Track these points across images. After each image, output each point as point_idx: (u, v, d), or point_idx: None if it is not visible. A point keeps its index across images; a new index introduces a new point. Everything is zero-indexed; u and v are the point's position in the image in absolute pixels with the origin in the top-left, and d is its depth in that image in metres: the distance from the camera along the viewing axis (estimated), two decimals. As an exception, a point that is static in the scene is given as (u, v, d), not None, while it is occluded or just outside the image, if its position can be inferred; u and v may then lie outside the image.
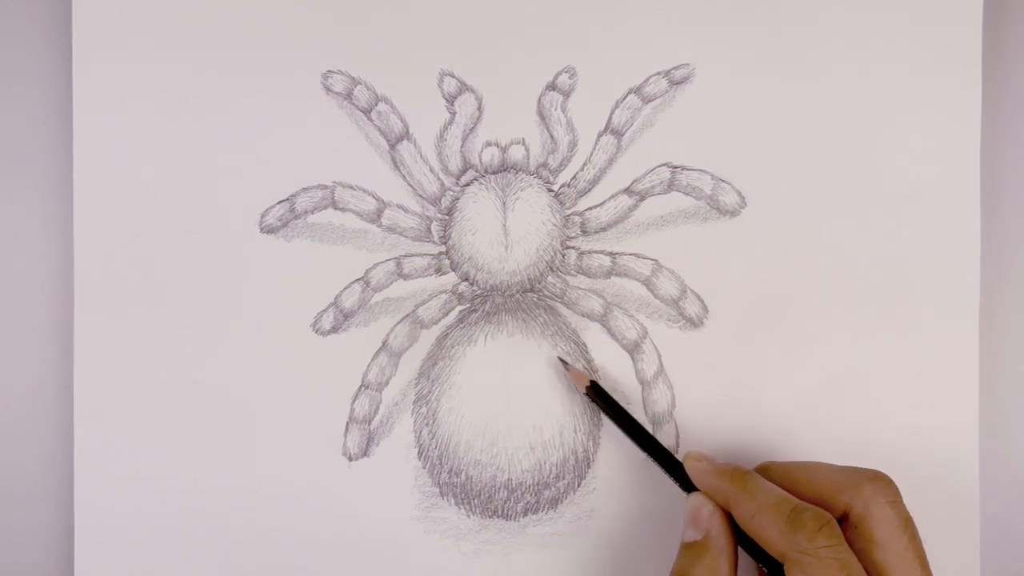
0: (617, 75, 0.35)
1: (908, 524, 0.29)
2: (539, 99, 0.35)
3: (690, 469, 0.31)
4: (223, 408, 0.34)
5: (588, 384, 0.33)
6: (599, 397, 0.33)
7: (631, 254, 0.35)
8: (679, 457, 0.32)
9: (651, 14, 0.35)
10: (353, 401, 0.35)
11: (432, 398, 0.35)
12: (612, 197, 0.35)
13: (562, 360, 0.34)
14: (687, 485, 0.31)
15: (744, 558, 0.30)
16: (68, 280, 0.35)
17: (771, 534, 0.28)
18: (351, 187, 0.35)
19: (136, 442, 0.34)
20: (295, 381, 0.35)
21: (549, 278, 0.35)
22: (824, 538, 0.28)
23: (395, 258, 0.35)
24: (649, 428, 0.34)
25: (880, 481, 0.29)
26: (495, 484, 0.35)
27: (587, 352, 0.35)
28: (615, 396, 0.34)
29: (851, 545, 0.29)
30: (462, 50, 0.35)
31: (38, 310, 0.36)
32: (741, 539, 0.30)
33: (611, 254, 0.35)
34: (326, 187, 0.35)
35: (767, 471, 0.31)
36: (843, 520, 0.29)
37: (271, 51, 0.34)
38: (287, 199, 0.35)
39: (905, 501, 0.29)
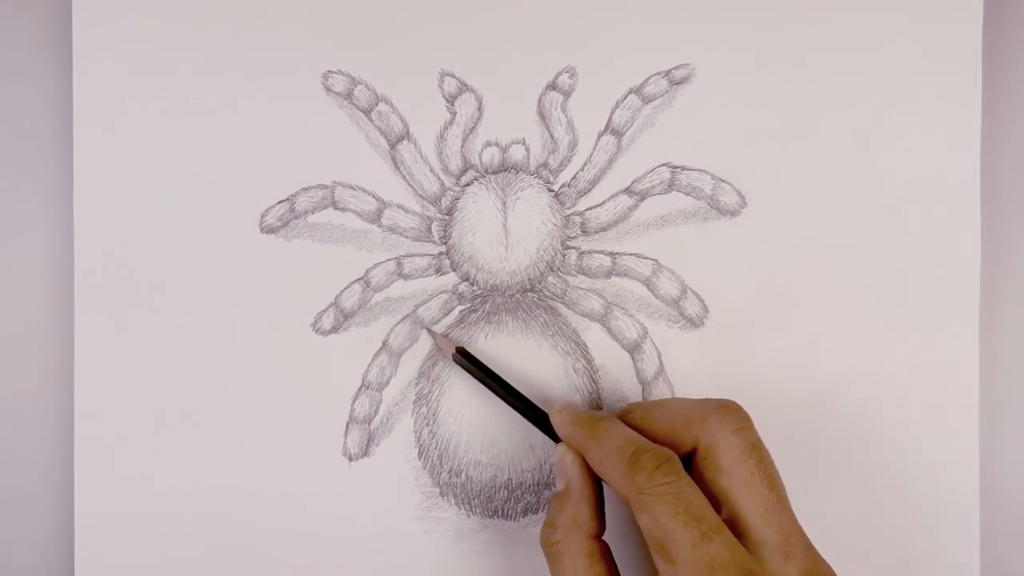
0: (617, 75, 0.35)
1: (754, 448, 0.29)
2: (539, 99, 0.35)
3: (554, 420, 0.31)
4: (223, 408, 0.34)
5: (454, 350, 0.34)
6: (467, 360, 0.33)
7: (631, 254, 0.35)
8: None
9: (651, 14, 0.35)
10: (353, 401, 0.35)
11: (432, 398, 0.35)
12: (612, 197, 0.35)
13: (428, 330, 0.34)
14: (557, 437, 0.32)
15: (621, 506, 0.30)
16: (68, 280, 0.35)
17: (615, 477, 0.28)
18: (351, 187, 0.35)
19: (136, 442, 0.34)
20: (295, 381, 0.35)
21: (549, 278, 0.35)
22: (662, 475, 0.27)
23: (395, 258, 0.35)
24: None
25: (726, 409, 0.29)
26: (495, 484, 0.35)
27: (587, 352, 0.35)
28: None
29: (700, 477, 0.29)
30: (462, 50, 0.35)
31: (38, 310, 0.36)
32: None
33: (611, 254, 0.35)
34: (326, 187, 0.35)
35: (627, 414, 0.31)
36: (693, 455, 0.29)
37: (271, 51, 0.34)
38: (287, 199, 0.35)
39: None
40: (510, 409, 0.33)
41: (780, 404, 0.35)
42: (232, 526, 0.35)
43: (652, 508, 0.27)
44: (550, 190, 0.35)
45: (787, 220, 0.35)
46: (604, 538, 0.30)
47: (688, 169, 0.35)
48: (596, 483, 0.30)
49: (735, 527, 0.28)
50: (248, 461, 0.34)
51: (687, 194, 0.35)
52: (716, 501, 0.28)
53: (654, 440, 0.29)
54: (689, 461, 0.30)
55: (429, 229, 0.35)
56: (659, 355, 0.35)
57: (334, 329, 0.35)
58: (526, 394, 0.33)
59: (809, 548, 0.28)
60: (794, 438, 0.35)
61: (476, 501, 0.35)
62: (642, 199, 0.35)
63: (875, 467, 0.35)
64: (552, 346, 0.35)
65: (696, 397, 0.32)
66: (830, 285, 0.35)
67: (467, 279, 0.35)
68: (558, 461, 0.31)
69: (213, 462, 0.34)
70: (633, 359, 0.35)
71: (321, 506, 0.35)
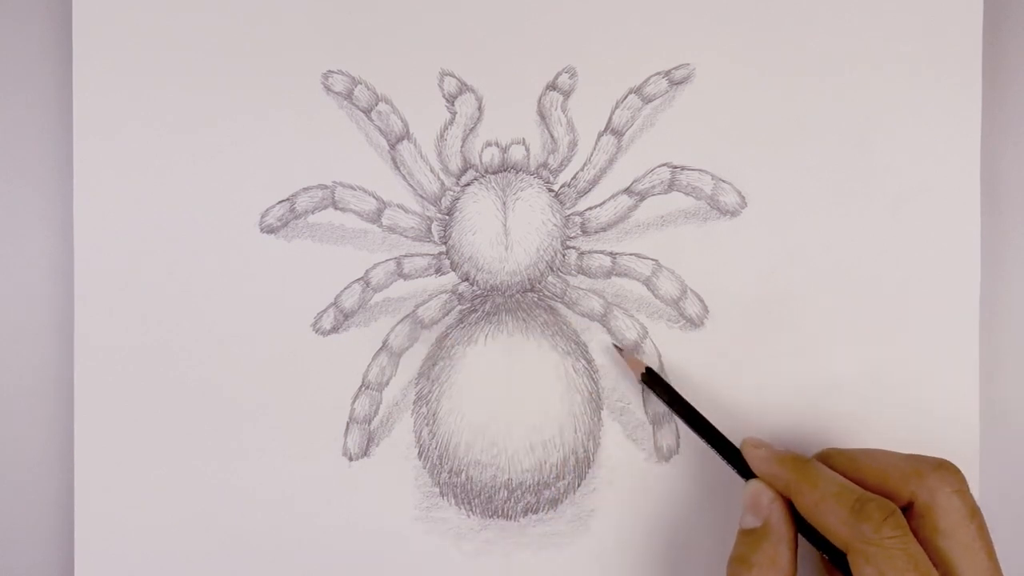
0: (617, 75, 0.35)
1: (975, 514, 0.28)
2: (539, 99, 0.35)
3: (749, 456, 0.31)
4: (223, 408, 0.34)
5: (644, 371, 0.33)
6: (655, 384, 0.33)
7: (631, 254, 0.35)
8: (737, 444, 0.32)
9: (651, 14, 0.35)
10: (353, 401, 0.35)
11: (432, 398, 0.35)
12: (612, 197, 0.35)
13: (616, 346, 0.34)
14: (745, 472, 0.31)
15: (803, 546, 0.30)
16: (68, 280, 0.35)
17: (835, 523, 0.28)
18: (351, 187, 0.35)
19: (136, 442, 0.34)
20: (295, 381, 0.35)
21: (549, 278, 0.35)
22: (890, 528, 0.27)
23: (395, 258, 0.35)
24: (649, 428, 0.34)
25: (946, 469, 0.29)
26: (495, 484, 0.35)
27: (587, 352, 0.35)
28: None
29: (916, 535, 0.28)
30: (462, 50, 0.35)
31: (38, 310, 0.36)
32: (802, 528, 0.30)
33: (611, 254, 0.35)
34: (326, 187, 0.35)
35: (828, 459, 0.31)
36: (907, 509, 0.29)
37: (271, 51, 0.34)
38: (287, 199, 0.35)
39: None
40: (510, 409, 0.33)
41: (780, 404, 0.35)
42: (232, 526, 0.35)
43: (879, 561, 0.27)
44: (550, 190, 0.35)
45: (787, 220, 0.35)
46: None
47: (688, 169, 0.35)
48: (795, 526, 0.30)
49: None
50: (248, 461, 0.34)
51: (687, 194, 0.35)
52: (932, 562, 0.28)
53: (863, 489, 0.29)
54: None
55: (429, 229, 0.35)
56: (659, 355, 0.35)
57: (334, 329, 0.35)
58: (523, 395, 0.33)
59: None
60: (794, 438, 0.35)
61: (476, 501, 0.35)
62: (642, 199, 0.35)
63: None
64: (552, 346, 0.35)
65: (904, 452, 0.31)
66: (830, 285, 0.35)
67: (467, 279, 0.35)
68: (751, 497, 0.30)
69: (213, 462, 0.34)
70: (633, 359, 0.35)
71: (321, 506, 0.35)
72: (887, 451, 0.30)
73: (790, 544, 0.30)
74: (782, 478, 0.30)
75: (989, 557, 0.28)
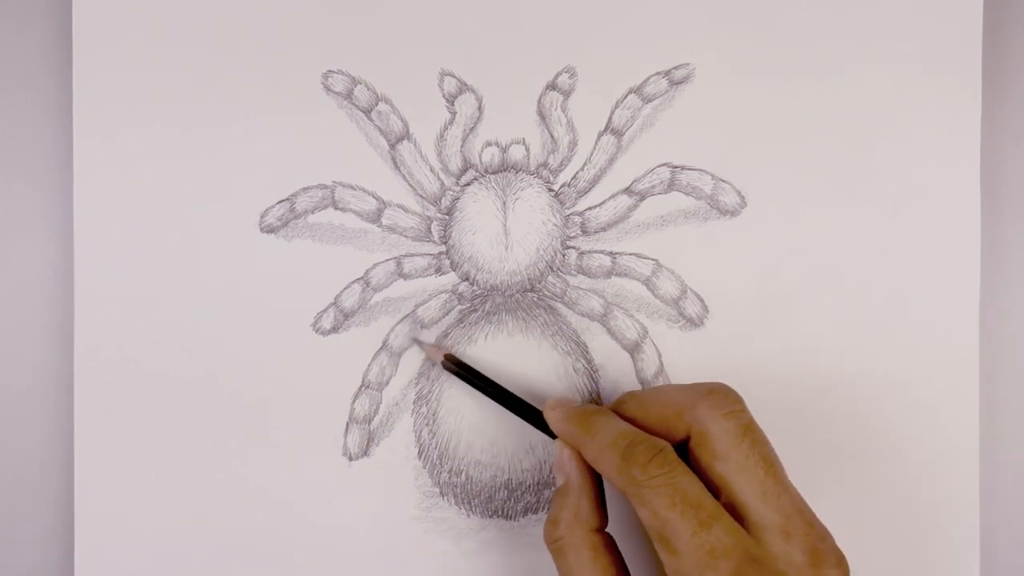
0: (617, 75, 0.35)
1: (747, 431, 0.28)
2: (539, 99, 0.35)
3: (548, 418, 0.31)
4: (223, 408, 0.34)
5: (443, 356, 0.34)
6: (457, 366, 0.33)
7: (631, 254, 0.35)
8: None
9: (651, 14, 0.35)
10: (353, 401, 0.35)
11: (432, 398, 0.35)
12: (612, 197, 0.35)
13: (416, 340, 0.34)
14: (553, 435, 0.32)
15: None
16: (68, 280, 0.35)
17: (611, 472, 0.28)
18: (351, 187, 0.35)
19: (136, 442, 0.34)
20: (295, 381, 0.35)
21: (549, 278, 0.35)
22: (656, 467, 0.27)
23: (395, 258, 0.35)
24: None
25: (716, 394, 0.29)
26: (495, 484, 0.35)
27: (587, 352, 0.35)
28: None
29: (696, 464, 0.28)
30: (462, 50, 0.35)
31: (38, 310, 0.36)
32: None
33: (611, 254, 0.35)
34: (326, 187, 0.35)
35: (621, 404, 0.31)
36: (688, 441, 0.29)
37: (271, 51, 0.34)
38: (287, 199, 0.35)
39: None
40: (510, 410, 0.33)
41: (780, 404, 0.35)
42: (232, 525, 0.35)
43: (649, 500, 0.27)
44: (550, 190, 0.35)
45: (787, 220, 0.35)
46: (609, 531, 0.30)
47: (688, 169, 0.35)
48: (595, 476, 0.30)
49: (735, 511, 0.28)
50: (248, 461, 0.34)
51: (687, 194, 0.35)
52: (714, 487, 0.28)
53: (649, 430, 0.29)
54: (684, 449, 0.29)
55: (429, 229, 0.35)
56: (659, 355, 0.35)
57: (334, 329, 0.35)
58: (521, 395, 0.33)
59: (811, 525, 0.27)
60: (794, 438, 0.35)
61: (476, 501, 0.35)
62: (642, 199, 0.35)
63: (875, 467, 0.35)
64: (552, 346, 0.35)
65: (689, 383, 0.32)
66: (830, 285, 0.35)
67: (467, 279, 0.35)
68: (556, 458, 0.31)
69: (213, 462, 0.34)
70: (633, 359, 0.35)
71: (321, 506, 0.35)
72: (671, 386, 0.30)
73: (590, 495, 0.30)
74: (573, 433, 0.30)
75: (766, 471, 0.28)
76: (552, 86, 0.35)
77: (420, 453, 0.35)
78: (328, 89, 0.35)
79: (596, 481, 0.30)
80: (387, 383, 0.35)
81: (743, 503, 0.28)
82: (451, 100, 0.35)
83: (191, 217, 0.34)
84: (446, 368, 0.34)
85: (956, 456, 0.35)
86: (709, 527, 0.26)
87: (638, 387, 0.35)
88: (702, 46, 0.35)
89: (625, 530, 0.34)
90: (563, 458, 0.31)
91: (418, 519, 0.35)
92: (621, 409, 0.31)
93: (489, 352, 0.35)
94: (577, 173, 0.35)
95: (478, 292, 0.35)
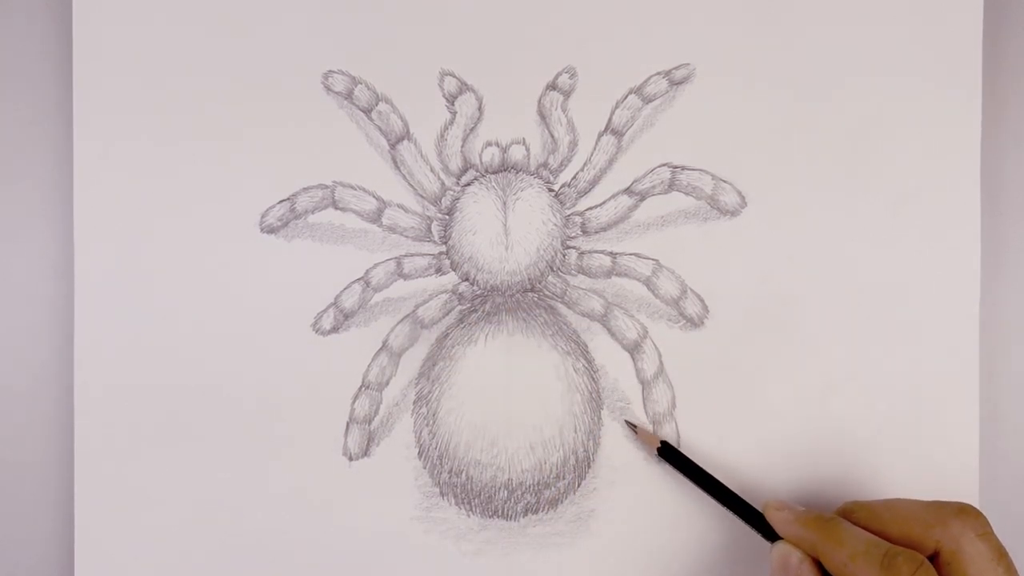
0: (617, 75, 0.35)
1: (1001, 556, 0.29)
2: (539, 99, 0.35)
3: (773, 519, 0.31)
4: (223, 408, 0.34)
5: (659, 445, 0.34)
6: (671, 456, 0.33)
7: (631, 254, 0.35)
8: (758, 507, 0.32)
9: (651, 14, 0.35)
10: (353, 401, 0.35)
11: (432, 398, 0.35)
12: (612, 197, 0.35)
13: (629, 423, 0.34)
14: (769, 534, 0.31)
15: None
16: (68, 280, 0.35)
17: None
18: (351, 187, 0.35)
19: (136, 442, 0.34)
20: (295, 381, 0.35)
21: (549, 278, 0.35)
22: None
23: (395, 258, 0.35)
24: (649, 428, 0.34)
25: (968, 514, 0.29)
26: (495, 484, 0.35)
27: (587, 352, 0.35)
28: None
29: None
30: (462, 50, 0.35)
31: (38, 310, 0.36)
32: None
33: (611, 254, 0.35)
34: (326, 187, 0.35)
35: (851, 514, 0.31)
36: (934, 558, 0.29)
37: (271, 51, 0.34)
38: (287, 199, 0.35)
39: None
40: (510, 409, 0.33)
41: (780, 404, 0.35)
42: (232, 526, 0.35)
43: None
44: (550, 190, 0.35)
45: (787, 220, 0.35)
46: None
47: (688, 169, 0.35)
48: None
49: None
50: (248, 461, 0.34)
51: (687, 194, 0.35)
52: None
53: (889, 540, 0.29)
54: None
55: (429, 229, 0.35)
56: (659, 355, 0.35)
57: (334, 329, 0.35)
58: (526, 398, 0.33)
59: None
60: (793, 438, 0.35)
61: (476, 501, 0.35)
62: (642, 199, 0.35)
63: (875, 467, 0.35)
64: (552, 346, 0.35)
65: (922, 499, 0.31)
66: (830, 285, 0.35)
67: (467, 279, 0.35)
68: (779, 559, 0.31)
69: (213, 462, 0.34)
70: (633, 359, 0.35)
71: (321, 506, 0.35)
72: (907, 500, 0.31)
73: None
74: (808, 539, 0.30)
75: None
76: (552, 86, 0.35)
77: (420, 453, 0.35)
78: (328, 89, 0.35)
79: None
80: (387, 383, 0.35)
81: None
82: (451, 100, 0.35)
83: (191, 217, 0.34)
84: (661, 455, 0.34)
85: (956, 456, 0.35)
86: None
87: (638, 387, 0.35)
88: (702, 46, 0.35)
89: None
90: (792, 562, 0.30)
91: (418, 519, 0.35)
92: (851, 518, 0.31)
93: (489, 352, 0.35)
94: (577, 173, 0.35)
95: (478, 292, 0.35)
